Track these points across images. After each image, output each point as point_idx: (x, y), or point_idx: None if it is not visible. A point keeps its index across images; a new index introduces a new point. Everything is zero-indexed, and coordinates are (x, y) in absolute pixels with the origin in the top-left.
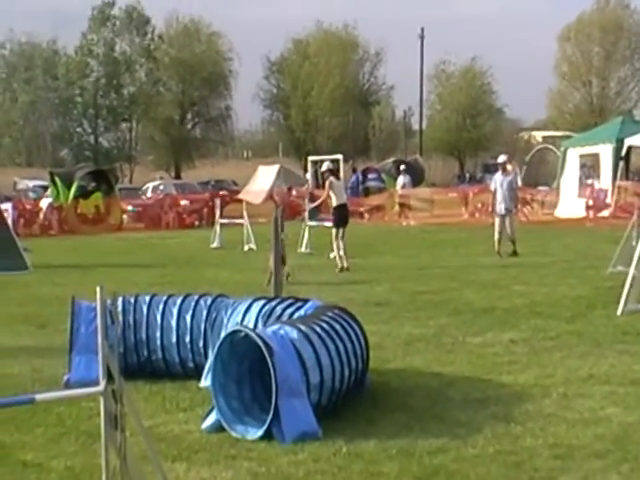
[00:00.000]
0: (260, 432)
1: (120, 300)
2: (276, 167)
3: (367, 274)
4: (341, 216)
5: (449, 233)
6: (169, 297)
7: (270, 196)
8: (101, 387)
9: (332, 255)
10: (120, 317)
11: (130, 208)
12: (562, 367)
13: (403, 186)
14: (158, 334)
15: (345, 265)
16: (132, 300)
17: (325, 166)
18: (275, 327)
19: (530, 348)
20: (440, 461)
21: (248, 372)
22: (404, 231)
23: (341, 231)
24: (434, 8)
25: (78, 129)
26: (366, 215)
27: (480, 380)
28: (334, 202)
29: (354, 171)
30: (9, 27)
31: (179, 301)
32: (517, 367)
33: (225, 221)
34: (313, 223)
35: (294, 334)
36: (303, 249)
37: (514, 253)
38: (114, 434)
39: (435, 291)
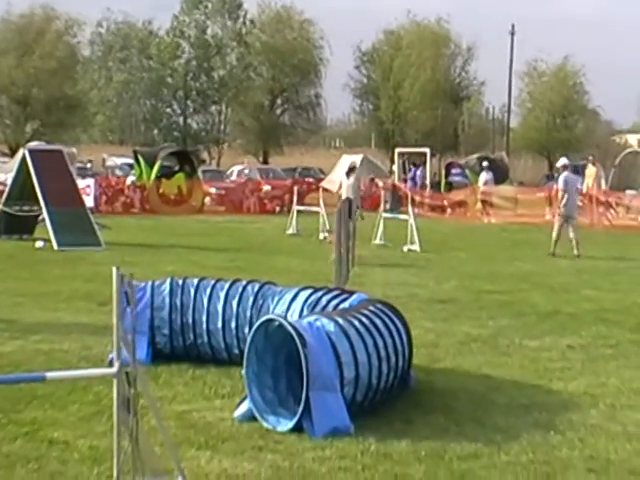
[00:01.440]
0: (291, 424)
1: (168, 282)
2: (359, 157)
3: (438, 270)
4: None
5: (530, 233)
6: (217, 281)
7: None
8: (114, 369)
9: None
10: (167, 299)
11: (213, 190)
12: (616, 377)
13: (485, 183)
14: (204, 318)
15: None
16: (180, 282)
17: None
18: (312, 318)
19: (587, 355)
20: (469, 466)
21: (285, 363)
22: (484, 229)
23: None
24: (529, 6)
25: (168, 110)
26: (449, 210)
27: (529, 385)
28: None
29: (414, 165)
30: (106, 6)
31: (227, 286)
32: (569, 374)
33: (301, 208)
34: (388, 215)
35: (331, 327)
36: (377, 241)
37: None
38: (126, 417)
39: (502, 291)
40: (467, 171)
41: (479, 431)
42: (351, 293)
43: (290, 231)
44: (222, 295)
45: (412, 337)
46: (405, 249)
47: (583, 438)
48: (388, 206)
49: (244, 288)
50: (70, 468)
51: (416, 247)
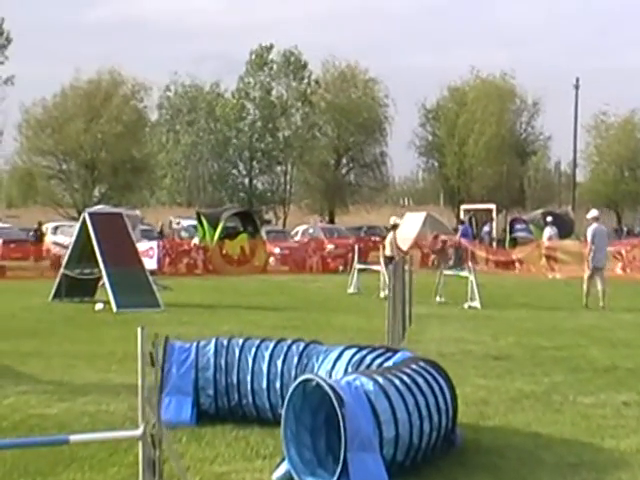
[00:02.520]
0: None
1: (213, 342)
2: (423, 214)
3: (496, 327)
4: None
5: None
6: (262, 341)
7: (416, 243)
8: (139, 431)
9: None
10: (212, 359)
11: (277, 250)
12: None
13: (549, 238)
14: (249, 378)
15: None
16: (225, 343)
17: (392, 220)
18: (351, 378)
19: None
20: None
21: (324, 423)
22: (548, 284)
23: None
24: (595, 58)
25: (233, 171)
26: (517, 265)
27: (579, 443)
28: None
29: (462, 223)
30: (174, 70)
31: (271, 346)
32: (622, 432)
33: (362, 266)
34: (449, 272)
35: (369, 386)
36: (438, 298)
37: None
38: (152, 479)
39: (560, 347)
40: (531, 226)
41: None
42: (395, 351)
43: (351, 290)
44: (267, 355)
45: (457, 395)
46: (466, 306)
47: None
48: (452, 262)
49: (289, 347)
50: None
51: (477, 304)
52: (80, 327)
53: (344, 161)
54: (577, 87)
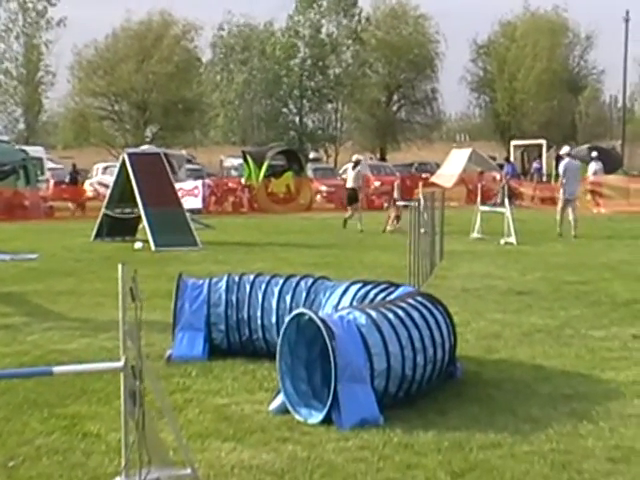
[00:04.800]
0: (321, 417)
1: (225, 279)
2: (468, 151)
3: (526, 262)
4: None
5: (636, 222)
6: (272, 277)
7: (461, 180)
8: (120, 363)
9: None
10: (224, 296)
11: (323, 188)
12: None
13: (594, 173)
14: (259, 314)
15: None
16: (236, 279)
17: (354, 158)
18: (344, 312)
19: None
20: (486, 456)
21: (319, 356)
22: (591, 219)
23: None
24: None
25: (284, 109)
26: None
27: (579, 375)
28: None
29: (507, 160)
30: (227, 9)
31: (281, 282)
32: (624, 364)
33: (402, 203)
34: (485, 208)
35: (362, 319)
36: (474, 234)
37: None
38: (133, 409)
39: (584, 282)
40: (577, 161)
41: (510, 421)
42: (397, 286)
43: (389, 227)
44: (276, 291)
45: (455, 328)
46: (502, 242)
47: (614, 428)
48: (498, 200)
49: (297, 283)
50: (93, 460)
51: (512, 239)
52: (115, 266)
53: (395, 98)
54: (627, 20)
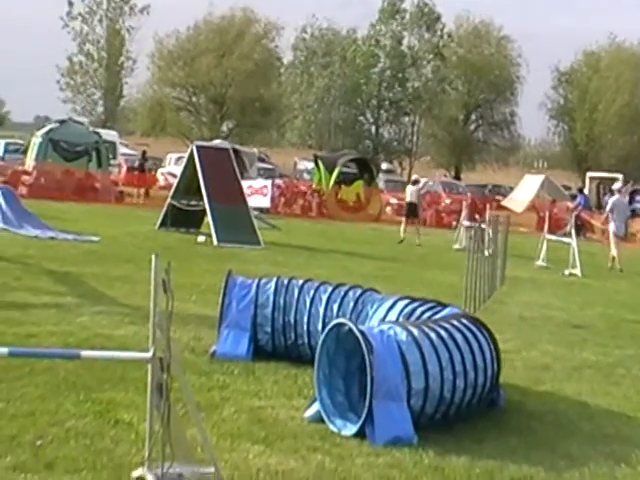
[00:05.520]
0: (355, 430)
1: (274, 281)
2: (541, 177)
3: (588, 295)
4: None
5: None
6: (321, 284)
7: (532, 206)
8: (149, 354)
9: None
10: (272, 297)
11: (393, 200)
12: None
13: None
14: (305, 319)
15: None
16: (285, 282)
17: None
18: (385, 327)
19: None
20: None
21: (358, 369)
22: None
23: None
24: None
25: (361, 118)
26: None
27: (624, 416)
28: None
29: (580, 191)
30: (312, 13)
31: (330, 289)
32: None
33: (468, 224)
34: (552, 237)
35: (403, 336)
36: (539, 262)
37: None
38: (159, 402)
39: None
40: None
41: (546, 456)
42: (445, 306)
43: (457, 246)
44: (324, 298)
45: (499, 355)
46: (566, 273)
47: None
48: (568, 229)
49: (346, 293)
50: (120, 448)
51: (577, 271)
52: (175, 257)
53: (473, 117)
54: None
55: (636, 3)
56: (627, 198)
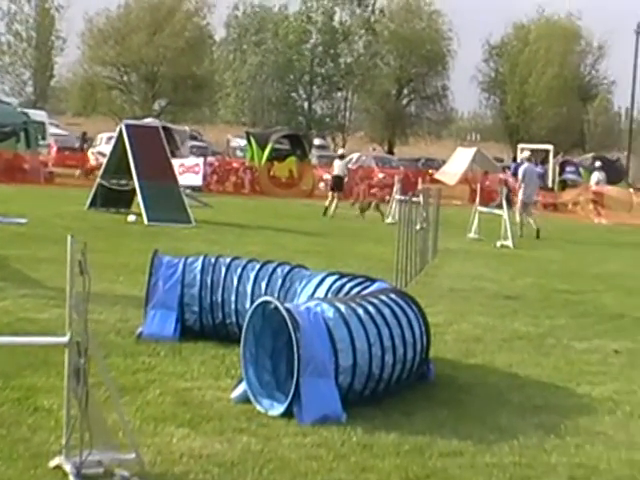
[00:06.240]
0: (282, 409)
1: (201, 259)
2: (473, 150)
3: (520, 266)
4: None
5: (637, 236)
6: (249, 262)
7: (465, 178)
8: (65, 339)
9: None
10: (199, 276)
11: (326, 176)
12: None
13: (597, 183)
14: (233, 298)
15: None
16: (212, 261)
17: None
18: (312, 304)
19: (630, 361)
20: (445, 465)
21: (285, 347)
22: (590, 229)
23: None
24: None
25: (294, 94)
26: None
27: (553, 386)
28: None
29: (514, 160)
30: None
31: (257, 267)
32: (601, 378)
33: (400, 197)
34: (484, 209)
35: (330, 313)
36: (472, 234)
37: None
38: (76, 386)
39: (574, 291)
40: (581, 170)
41: (476, 429)
42: (374, 281)
43: (389, 220)
44: (252, 276)
45: (429, 329)
46: (498, 244)
47: (581, 444)
48: (499, 200)
49: (274, 270)
50: (38, 436)
51: (509, 243)
52: (105, 237)
53: (405, 92)
54: (639, 32)
55: None
56: (539, 167)
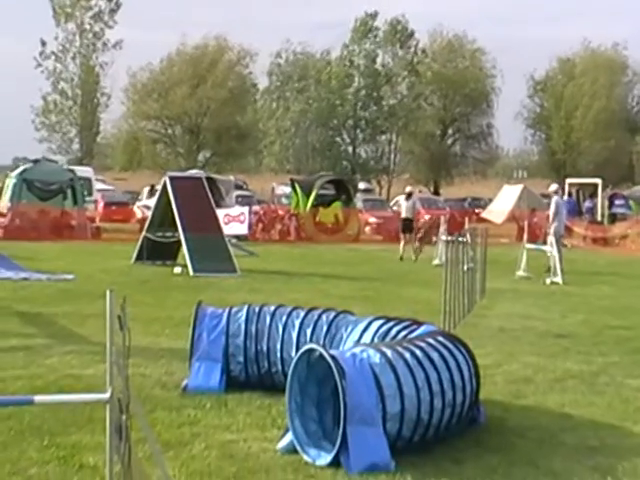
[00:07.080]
0: (329, 459)
1: (245, 309)
2: (519, 187)
3: (570, 304)
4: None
5: None
6: (293, 309)
7: (512, 216)
8: (107, 395)
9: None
10: (243, 326)
11: (372, 219)
12: None
13: None
14: (279, 346)
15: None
16: (256, 310)
17: (407, 189)
18: (358, 350)
19: None
20: None
21: (331, 395)
22: None
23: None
24: None
25: (337, 139)
26: (616, 241)
27: (608, 426)
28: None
29: (569, 195)
30: (286, 38)
31: (302, 314)
32: None
33: (449, 238)
34: (531, 246)
35: (376, 358)
36: (520, 272)
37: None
38: (118, 443)
39: (627, 327)
40: (631, 202)
41: (529, 474)
42: (420, 324)
43: (436, 261)
44: (297, 323)
45: (478, 372)
46: (547, 281)
47: None
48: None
49: (319, 317)
50: None
51: (558, 279)
52: (151, 290)
53: (450, 132)
54: None
55: (608, 7)
56: (587, 201)
